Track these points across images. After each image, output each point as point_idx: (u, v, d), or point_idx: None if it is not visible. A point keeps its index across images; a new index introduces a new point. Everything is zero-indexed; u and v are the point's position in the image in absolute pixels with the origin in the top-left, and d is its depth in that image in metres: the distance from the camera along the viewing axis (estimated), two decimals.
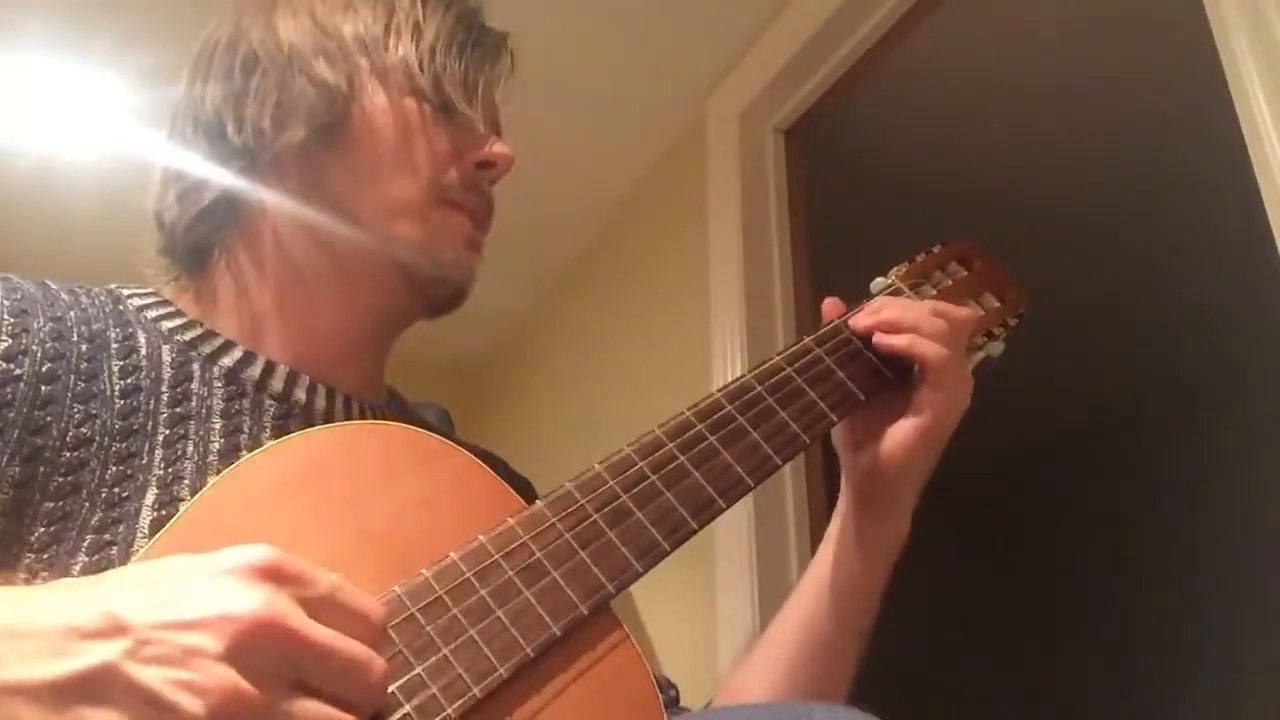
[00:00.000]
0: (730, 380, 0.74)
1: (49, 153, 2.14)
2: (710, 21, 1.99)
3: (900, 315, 0.78)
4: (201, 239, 0.76)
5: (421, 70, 0.75)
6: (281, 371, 0.72)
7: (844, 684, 0.80)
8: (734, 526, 1.67)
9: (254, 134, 0.73)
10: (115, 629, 0.43)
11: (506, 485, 0.65)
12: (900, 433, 0.76)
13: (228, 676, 0.42)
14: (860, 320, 0.79)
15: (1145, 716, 3.15)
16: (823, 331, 0.80)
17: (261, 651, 0.44)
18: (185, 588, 0.45)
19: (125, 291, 0.75)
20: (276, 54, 0.74)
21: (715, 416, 0.71)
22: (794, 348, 0.78)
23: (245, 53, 0.75)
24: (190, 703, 0.41)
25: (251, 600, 0.44)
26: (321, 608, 0.47)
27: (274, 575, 0.46)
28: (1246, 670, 2.95)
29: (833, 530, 0.81)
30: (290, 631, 0.44)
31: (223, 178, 0.74)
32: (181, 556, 0.48)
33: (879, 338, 0.77)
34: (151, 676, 0.42)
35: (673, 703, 0.80)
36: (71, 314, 0.69)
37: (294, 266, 0.75)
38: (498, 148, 0.78)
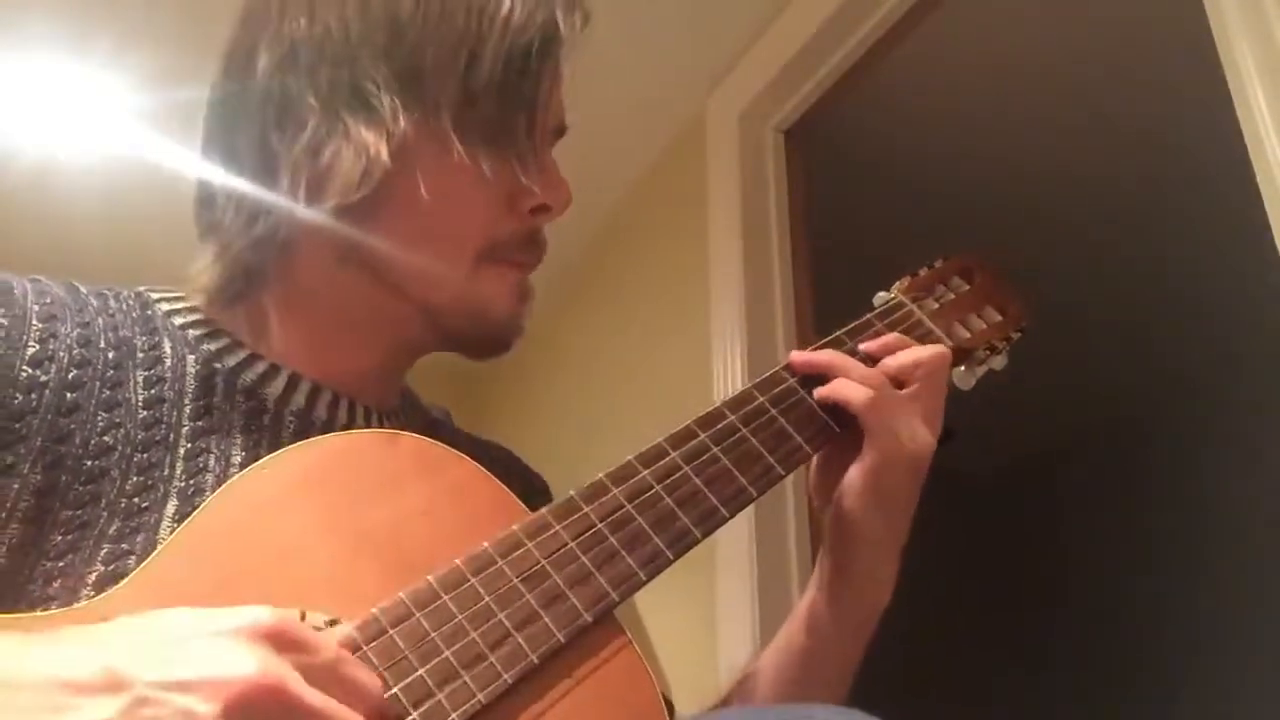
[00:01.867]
0: (734, 391, 0.74)
1: (49, 153, 2.14)
2: (710, 21, 1.99)
3: (827, 360, 0.76)
4: (245, 283, 0.72)
5: (473, 115, 0.67)
6: (305, 387, 0.71)
7: None
8: (735, 534, 1.67)
9: (286, 202, 0.68)
10: (113, 685, 0.42)
11: (510, 493, 0.65)
12: (847, 482, 0.72)
13: None
14: (795, 358, 0.76)
15: (1145, 715, 3.16)
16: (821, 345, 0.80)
17: (256, 717, 0.43)
18: (185, 646, 0.44)
19: (154, 295, 0.73)
20: (313, 102, 0.67)
21: (718, 427, 0.71)
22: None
23: (280, 97, 0.68)
24: None
25: (250, 664, 0.44)
26: (322, 676, 0.46)
27: (275, 639, 0.46)
28: (1247, 669, 2.95)
29: (808, 594, 0.78)
30: (288, 697, 0.44)
31: (266, 226, 0.69)
32: (185, 611, 0.47)
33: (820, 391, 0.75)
34: None
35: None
36: (100, 320, 0.68)
37: (330, 311, 0.73)
38: (555, 191, 0.73)
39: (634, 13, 1.94)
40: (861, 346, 0.79)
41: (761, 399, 0.74)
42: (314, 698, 0.45)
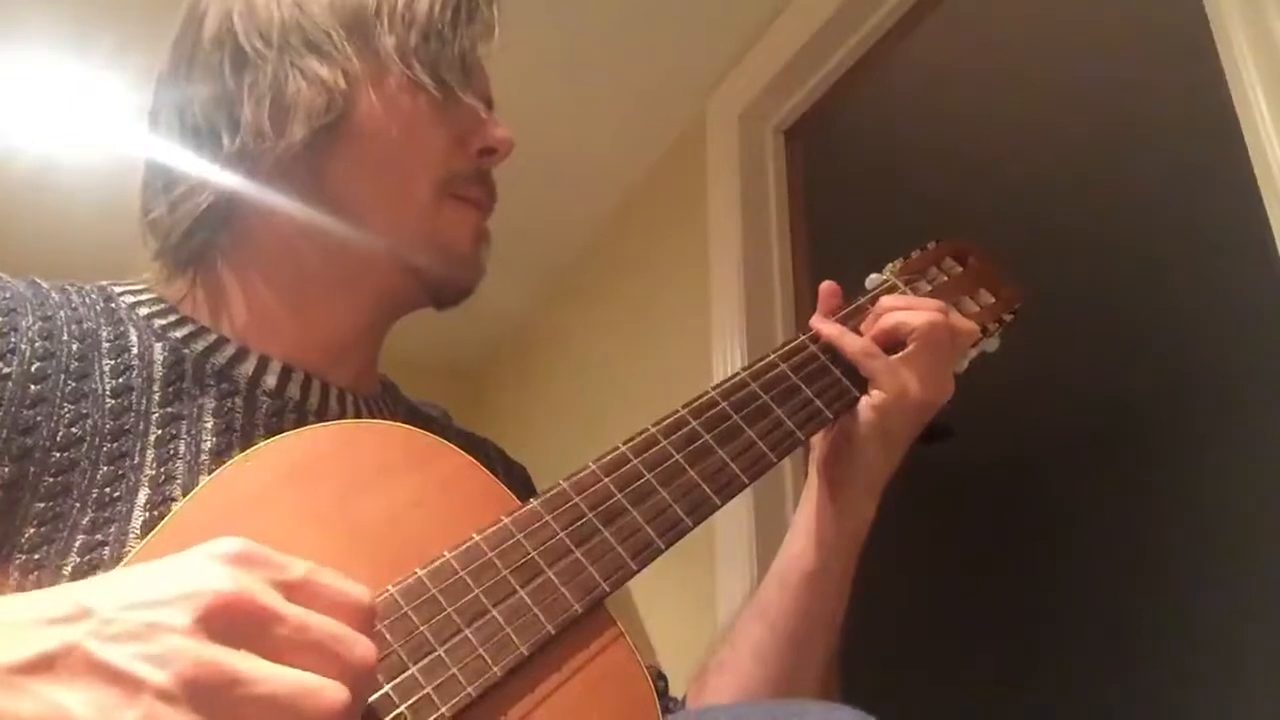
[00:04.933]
0: (725, 378, 0.74)
1: (49, 153, 2.15)
2: (710, 21, 1.99)
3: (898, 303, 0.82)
4: (198, 244, 0.74)
5: (416, 58, 0.72)
6: (275, 367, 0.71)
7: (816, 676, 0.80)
8: (734, 525, 1.67)
9: (252, 138, 0.70)
10: (80, 614, 0.42)
11: (500, 483, 0.64)
12: (859, 410, 0.78)
13: (193, 647, 0.41)
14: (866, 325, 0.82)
15: (1144, 713, 3.15)
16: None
17: (229, 627, 0.43)
18: (155, 575, 0.44)
19: (117, 289, 0.73)
20: (266, 50, 0.71)
21: (710, 414, 0.71)
22: (790, 344, 0.79)
23: (233, 49, 0.72)
24: (155, 674, 0.40)
25: (219, 579, 0.43)
26: (299, 591, 0.46)
27: (244, 560, 0.45)
28: (1245, 668, 2.95)
29: (798, 515, 0.83)
30: (259, 607, 0.43)
31: (218, 181, 0.72)
32: (153, 561, 0.47)
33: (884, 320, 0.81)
34: (114, 652, 0.41)
35: (662, 694, 0.80)
36: (62, 313, 0.68)
37: (296, 268, 0.74)
38: (499, 132, 0.77)
39: (634, 12, 1.94)
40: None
41: (753, 385, 0.74)
42: (287, 607, 0.44)
